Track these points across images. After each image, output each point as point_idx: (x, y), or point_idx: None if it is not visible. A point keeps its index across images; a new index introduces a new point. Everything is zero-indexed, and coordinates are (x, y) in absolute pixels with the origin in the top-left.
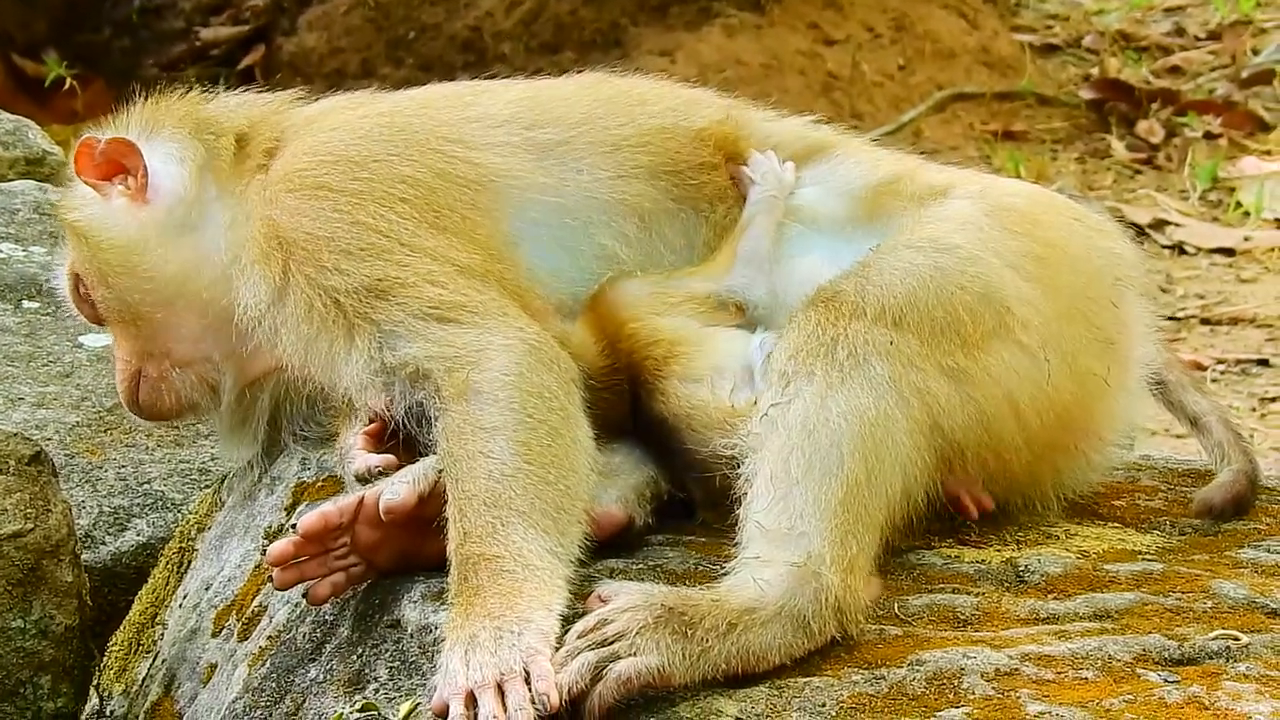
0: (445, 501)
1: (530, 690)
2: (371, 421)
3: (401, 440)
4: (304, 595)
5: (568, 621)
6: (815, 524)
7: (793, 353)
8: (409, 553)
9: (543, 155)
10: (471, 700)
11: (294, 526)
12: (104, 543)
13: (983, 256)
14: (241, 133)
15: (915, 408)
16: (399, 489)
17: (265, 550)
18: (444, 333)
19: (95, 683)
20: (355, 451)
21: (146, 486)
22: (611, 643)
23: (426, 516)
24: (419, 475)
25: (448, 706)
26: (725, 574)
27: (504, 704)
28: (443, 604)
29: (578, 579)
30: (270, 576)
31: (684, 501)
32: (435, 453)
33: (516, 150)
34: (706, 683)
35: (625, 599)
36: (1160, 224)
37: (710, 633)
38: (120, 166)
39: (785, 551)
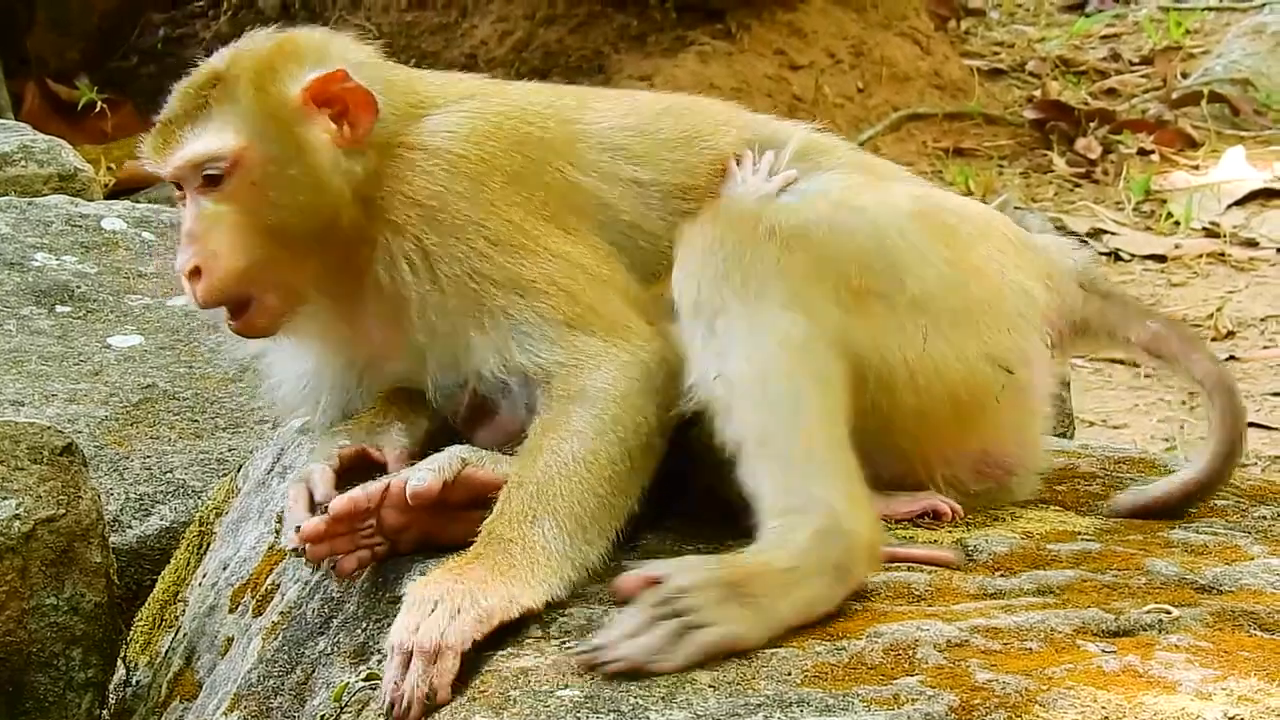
0: (468, 489)
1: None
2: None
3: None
4: (331, 567)
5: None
6: (817, 483)
7: (697, 278)
8: (431, 535)
9: (639, 193)
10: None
11: (325, 509)
12: (130, 527)
13: (887, 227)
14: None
15: (820, 317)
16: (425, 476)
17: (278, 533)
18: (573, 339)
19: (122, 655)
20: (293, 508)
21: (169, 475)
22: (686, 614)
23: (450, 502)
24: (444, 464)
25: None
26: (756, 540)
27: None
28: None
29: (582, 586)
30: (301, 549)
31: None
32: (463, 442)
33: (616, 183)
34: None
35: (688, 577)
36: (1098, 233)
37: (768, 596)
38: (344, 107)
39: (805, 518)
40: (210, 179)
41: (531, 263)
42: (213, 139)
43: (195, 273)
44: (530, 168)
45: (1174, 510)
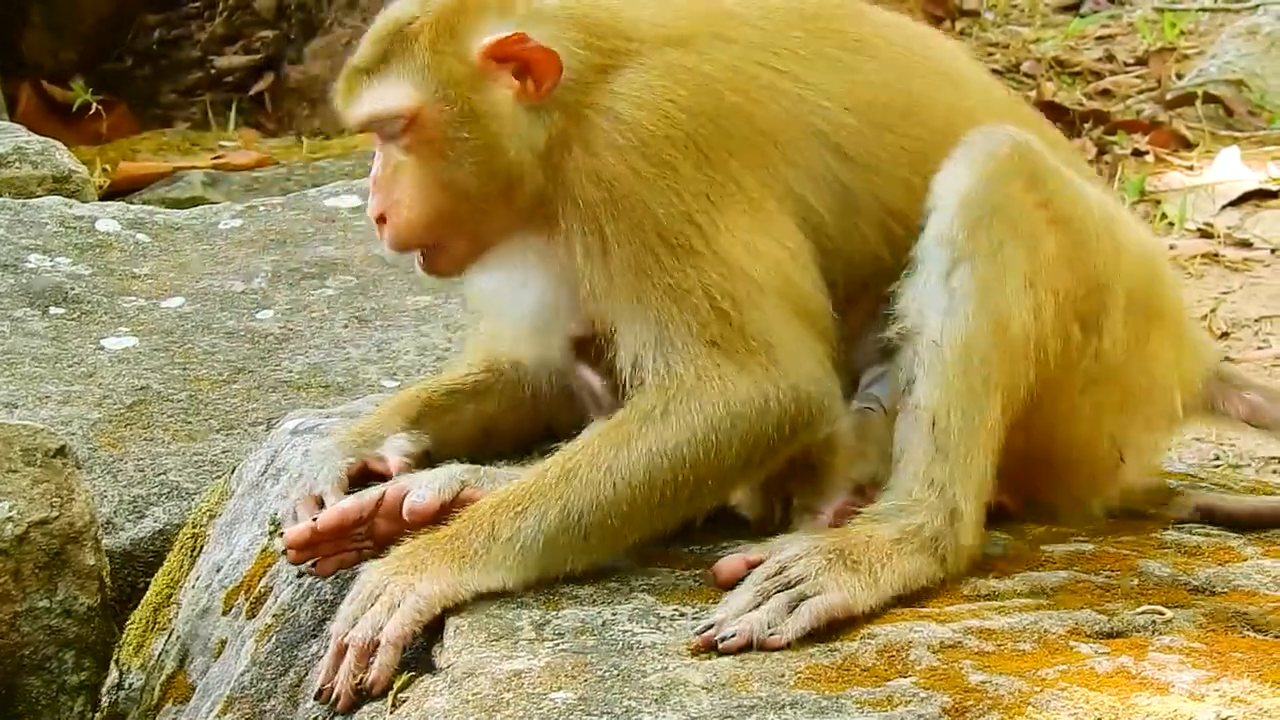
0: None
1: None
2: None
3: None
4: (311, 566)
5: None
6: (960, 484)
7: (960, 200)
8: None
9: (845, 202)
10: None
11: (314, 519)
12: (123, 529)
13: (1125, 271)
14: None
15: (1042, 315)
16: (424, 494)
17: (272, 534)
18: (709, 358)
19: (115, 658)
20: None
21: (162, 477)
22: (796, 584)
23: (446, 521)
24: (444, 483)
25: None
26: (876, 501)
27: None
28: None
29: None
30: (284, 551)
31: None
32: (465, 461)
33: (820, 183)
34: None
35: (797, 547)
36: None
37: (874, 565)
38: (526, 67)
39: (932, 508)
40: (391, 131)
41: (697, 270)
42: (388, 95)
43: (382, 219)
44: (728, 145)
45: (1233, 527)
